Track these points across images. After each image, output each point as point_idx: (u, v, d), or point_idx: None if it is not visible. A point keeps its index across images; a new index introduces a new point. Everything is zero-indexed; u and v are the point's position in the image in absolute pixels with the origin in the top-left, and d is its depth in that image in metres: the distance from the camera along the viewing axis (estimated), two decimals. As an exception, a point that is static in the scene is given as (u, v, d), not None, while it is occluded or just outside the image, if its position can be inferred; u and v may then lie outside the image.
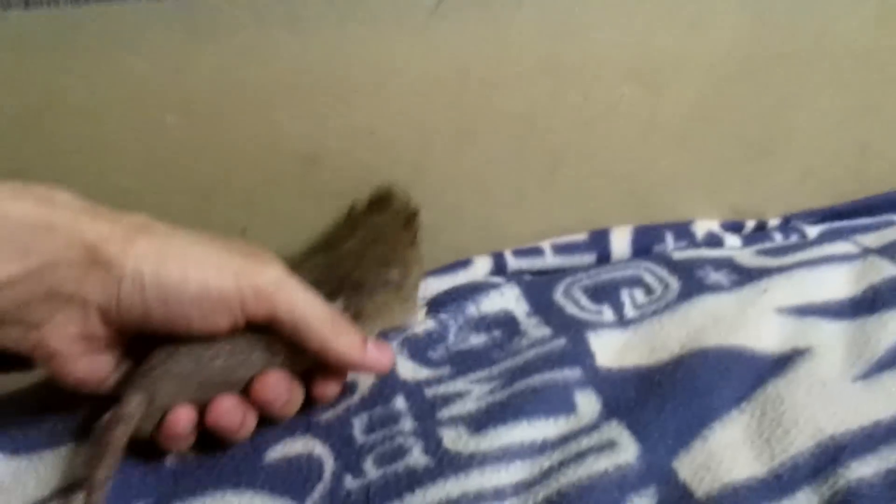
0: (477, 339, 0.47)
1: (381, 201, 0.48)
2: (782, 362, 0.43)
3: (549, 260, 0.55)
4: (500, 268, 0.54)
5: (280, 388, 0.38)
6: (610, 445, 0.38)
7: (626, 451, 0.37)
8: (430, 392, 0.42)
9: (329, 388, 0.41)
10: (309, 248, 0.50)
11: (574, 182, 0.54)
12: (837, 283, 0.50)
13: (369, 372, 0.42)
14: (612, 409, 0.40)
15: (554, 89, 0.49)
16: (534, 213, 0.55)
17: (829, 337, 0.45)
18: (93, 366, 0.37)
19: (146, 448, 0.39)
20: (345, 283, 0.42)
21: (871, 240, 0.55)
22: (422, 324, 0.47)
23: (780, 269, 0.50)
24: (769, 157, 0.59)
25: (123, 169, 0.45)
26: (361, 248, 0.45)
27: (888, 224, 0.59)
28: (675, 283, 0.50)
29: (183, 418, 0.36)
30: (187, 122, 0.45)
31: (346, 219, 0.49)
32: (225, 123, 0.45)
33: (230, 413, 0.37)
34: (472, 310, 0.48)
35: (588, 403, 0.41)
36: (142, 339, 0.37)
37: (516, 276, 0.52)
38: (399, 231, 0.46)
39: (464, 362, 0.45)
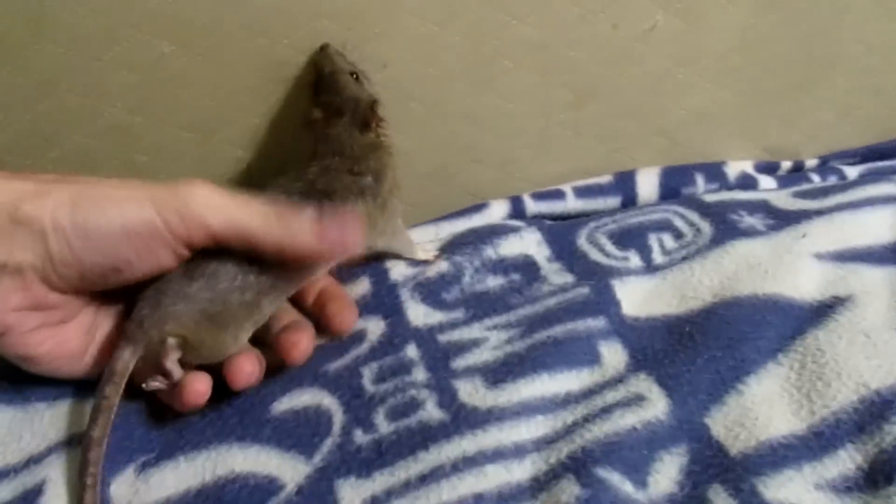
0: (494, 282, 0.44)
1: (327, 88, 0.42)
2: (822, 311, 0.40)
3: (571, 203, 0.52)
4: (518, 212, 0.51)
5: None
6: (638, 400, 0.35)
7: (656, 405, 0.35)
8: (443, 339, 0.40)
9: (344, 318, 0.40)
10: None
11: (600, 119, 0.51)
12: (880, 226, 0.46)
13: (337, 256, 0.38)
14: (640, 361, 0.38)
15: (581, 17, 0.46)
16: (555, 153, 0.52)
17: (872, 284, 0.42)
18: (57, 339, 0.36)
19: (149, 398, 0.37)
20: (311, 194, 0.38)
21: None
22: (435, 265, 0.45)
23: (819, 213, 0.47)
24: (808, 93, 0.55)
25: (118, 105, 0.43)
26: (324, 161, 0.40)
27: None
28: (706, 228, 0.46)
29: (202, 389, 0.35)
30: (185, 52, 0.42)
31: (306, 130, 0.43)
32: (226, 55, 0.42)
33: (251, 375, 0.36)
34: (489, 252, 0.45)
35: (613, 355, 0.39)
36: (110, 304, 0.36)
37: (537, 220, 0.49)
38: (357, 133, 0.41)
39: (479, 305, 0.42)
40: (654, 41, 0.48)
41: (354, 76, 0.42)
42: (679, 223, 0.48)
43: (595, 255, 0.45)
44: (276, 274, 0.36)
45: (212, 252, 0.35)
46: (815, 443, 0.33)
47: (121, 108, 0.43)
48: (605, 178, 0.53)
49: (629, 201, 0.53)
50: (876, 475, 0.32)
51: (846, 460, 0.32)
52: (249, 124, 0.45)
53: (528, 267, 0.45)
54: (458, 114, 0.48)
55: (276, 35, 0.42)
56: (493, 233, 0.46)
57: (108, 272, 0.34)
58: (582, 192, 0.53)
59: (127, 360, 0.34)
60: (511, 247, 0.46)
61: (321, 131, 0.41)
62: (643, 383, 0.36)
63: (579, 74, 0.48)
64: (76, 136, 0.43)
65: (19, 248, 0.32)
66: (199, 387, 0.36)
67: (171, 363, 0.35)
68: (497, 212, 0.51)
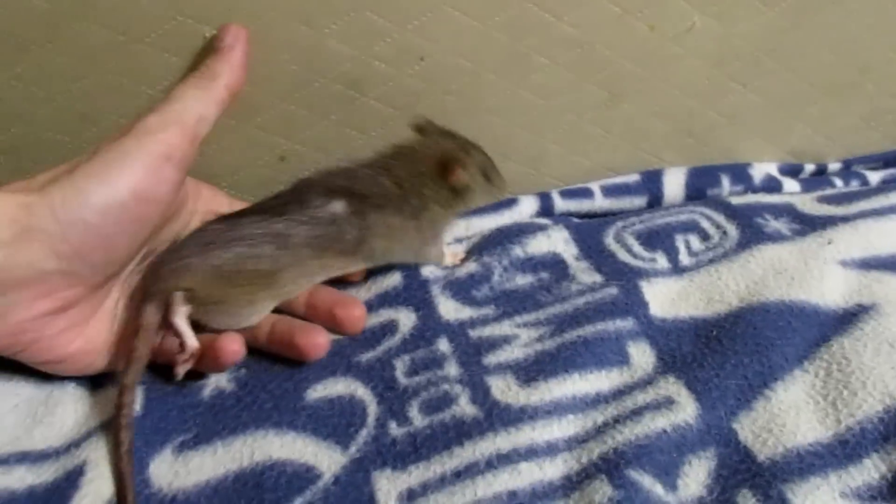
0: (523, 280, 0.44)
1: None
2: (847, 319, 0.40)
3: (599, 202, 0.53)
4: (546, 208, 0.51)
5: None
6: (668, 403, 0.36)
7: (685, 409, 0.36)
8: (474, 334, 0.40)
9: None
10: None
11: (631, 119, 0.51)
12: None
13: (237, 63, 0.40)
14: (668, 363, 0.39)
15: (619, 16, 0.46)
16: (585, 150, 0.52)
17: (896, 293, 0.43)
18: (85, 335, 0.37)
19: (185, 378, 0.38)
20: (350, 194, 0.39)
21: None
22: (464, 266, 0.45)
23: (845, 219, 0.47)
24: (835, 97, 0.55)
25: (157, 87, 0.43)
26: (384, 165, 0.41)
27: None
28: (733, 230, 0.47)
29: (235, 348, 0.37)
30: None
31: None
32: (265, 41, 0.42)
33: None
34: (517, 251, 0.46)
35: (642, 355, 0.39)
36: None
37: (564, 219, 0.50)
38: (430, 170, 0.41)
39: (509, 303, 0.43)
40: (689, 42, 0.48)
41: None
42: (706, 225, 0.48)
43: (623, 256, 0.46)
44: (299, 254, 0.37)
45: (238, 217, 0.38)
46: (841, 451, 0.34)
47: (160, 90, 0.43)
48: (633, 178, 0.53)
49: (655, 201, 0.53)
50: None
51: (871, 469, 0.33)
52: (285, 111, 0.45)
53: (556, 265, 0.45)
54: (490, 108, 0.48)
55: (320, 24, 0.42)
56: (522, 231, 0.47)
57: (132, 242, 0.36)
58: (609, 191, 0.53)
59: (151, 313, 0.36)
60: (539, 245, 0.46)
61: (407, 145, 0.42)
62: (672, 386, 0.37)
63: (613, 74, 0.48)
64: (113, 116, 0.43)
65: (38, 255, 0.33)
66: (233, 346, 0.37)
67: (180, 319, 0.36)
68: (526, 208, 0.51)
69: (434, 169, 0.40)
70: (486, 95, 0.47)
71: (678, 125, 0.52)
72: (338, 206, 0.39)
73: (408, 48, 0.44)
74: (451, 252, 0.46)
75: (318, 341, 0.39)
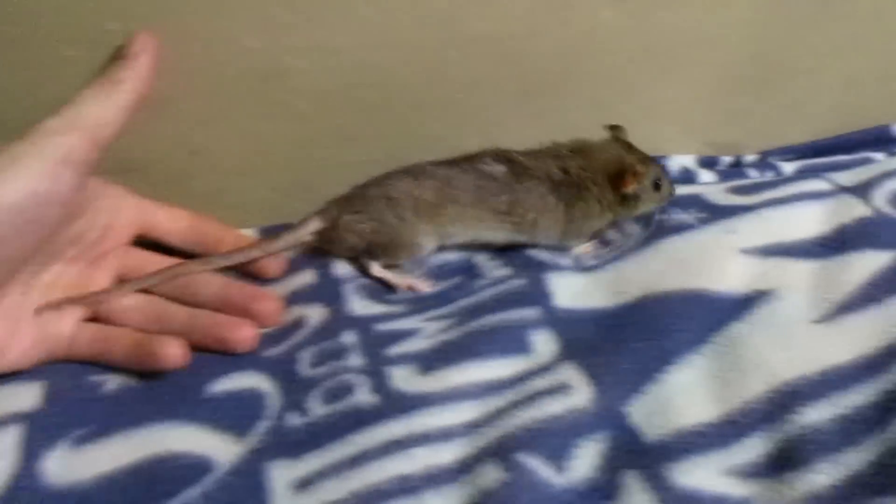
0: (436, 286, 0.46)
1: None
2: (744, 305, 0.42)
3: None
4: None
5: None
6: (563, 388, 0.37)
7: (580, 393, 0.37)
8: (380, 327, 0.41)
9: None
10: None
11: (548, 112, 0.52)
12: (807, 221, 0.49)
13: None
14: (571, 351, 0.40)
15: (530, 10, 0.46)
16: (504, 144, 0.53)
17: (795, 277, 0.44)
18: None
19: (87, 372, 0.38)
20: (516, 160, 0.45)
21: (846, 178, 0.53)
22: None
23: (749, 208, 0.49)
24: (752, 91, 0.56)
25: (62, 83, 0.42)
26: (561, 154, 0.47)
27: (865, 162, 0.58)
28: (636, 229, 0.48)
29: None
30: (131, 30, 0.42)
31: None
32: (175, 34, 0.42)
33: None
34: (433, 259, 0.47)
35: (545, 344, 0.40)
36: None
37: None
38: (602, 171, 0.46)
39: (420, 302, 0.44)
40: (603, 37, 0.49)
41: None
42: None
43: (532, 252, 0.47)
44: (459, 197, 0.44)
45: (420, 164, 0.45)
46: (729, 430, 0.35)
47: (63, 86, 0.42)
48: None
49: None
50: (781, 461, 0.33)
51: (755, 448, 0.34)
52: (196, 105, 0.45)
53: (470, 269, 0.47)
54: (407, 102, 0.48)
55: (231, 17, 0.42)
56: None
57: (26, 242, 0.36)
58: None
59: (313, 225, 0.44)
60: (454, 252, 0.47)
61: (588, 143, 0.47)
62: (570, 372, 0.38)
63: (528, 68, 0.49)
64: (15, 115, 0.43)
65: None
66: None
67: (377, 271, 0.45)
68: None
69: (609, 174, 0.45)
70: (403, 89, 0.47)
71: (596, 119, 0.53)
72: (499, 168, 0.45)
73: (321, 44, 0.44)
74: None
75: (247, 334, 0.40)
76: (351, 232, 0.44)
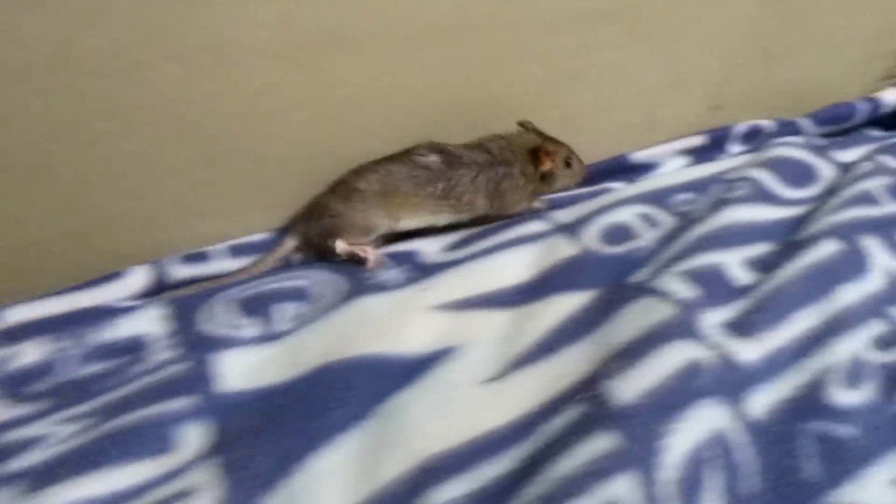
0: (95, 368, 0.41)
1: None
2: (422, 367, 0.40)
3: (228, 263, 0.50)
4: (160, 278, 0.48)
5: None
6: (186, 495, 0.33)
7: (203, 499, 0.33)
8: (6, 437, 0.36)
9: None
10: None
11: (241, 176, 0.49)
12: (515, 268, 0.47)
13: None
14: (223, 443, 0.36)
15: (184, 79, 0.43)
16: (201, 211, 0.49)
17: (483, 331, 0.42)
18: None
19: None
20: (447, 151, 0.51)
21: (565, 215, 0.53)
22: (28, 355, 0.41)
23: (455, 262, 0.47)
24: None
25: None
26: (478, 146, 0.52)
27: (596, 194, 0.56)
28: (337, 287, 0.45)
29: None
30: None
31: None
32: None
33: None
34: (92, 338, 0.42)
35: (196, 438, 0.36)
36: None
37: (171, 294, 0.47)
38: (527, 155, 0.52)
39: (64, 396, 0.39)
40: (277, 96, 0.46)
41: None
42: (310, 287, 0.46)
43: (210, 327, 0.43)
44: (399, 186, 0.49)
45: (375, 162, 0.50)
46: None
47: None
48: (261, 235, 0.51)
49: (286, 260, 0.51)
50: None
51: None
52: None
53: (137, 348, 0.42)
54: (67, 177, 0.44)
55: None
56: (101, 315, 0.43)
57: None
58: (237, 251, 0.50)
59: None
60: (119, 329, 0.43)
61: (505, 133, 0.53)
62: (206, 472, 0.34)
63: (201, 132, 0.46)
64: None
65: None
66: None
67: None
68: (135, 280, 0.47)
69: (528, 150, 0.52)
70: (55, 164, 0.44)
71: (296, 178, 0.51)
72: (434, 159, 0.50)
73: None
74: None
75: None
76: (319, 236, 0.49)
